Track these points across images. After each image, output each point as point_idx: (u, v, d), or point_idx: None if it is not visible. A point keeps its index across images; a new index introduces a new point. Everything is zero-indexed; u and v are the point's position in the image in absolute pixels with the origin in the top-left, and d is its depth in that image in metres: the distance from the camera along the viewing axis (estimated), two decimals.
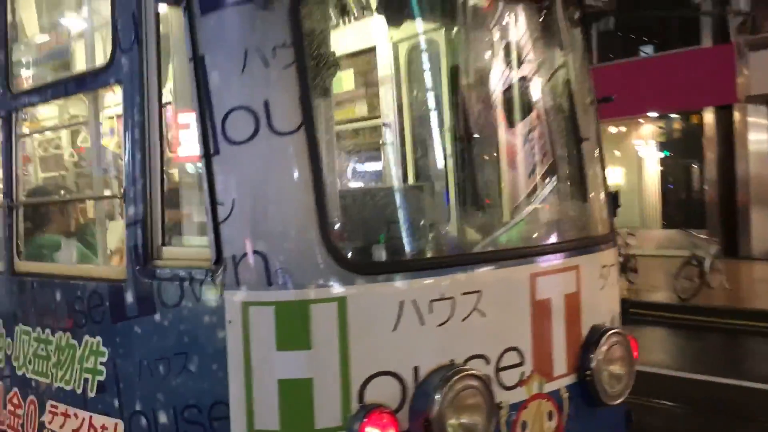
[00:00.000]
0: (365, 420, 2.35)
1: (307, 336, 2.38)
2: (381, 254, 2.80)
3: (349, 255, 2.61)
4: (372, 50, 3.27)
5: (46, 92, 3.30)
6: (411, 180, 3.37)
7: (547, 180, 3.52)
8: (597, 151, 3.47)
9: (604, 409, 3.11)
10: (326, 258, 2.41)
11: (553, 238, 3.39)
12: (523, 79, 3.50)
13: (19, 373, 3.33)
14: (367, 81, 3.12)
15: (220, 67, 2.45)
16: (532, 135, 3.61)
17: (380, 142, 3.22)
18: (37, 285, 3.29)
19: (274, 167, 2.45)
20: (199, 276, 2.51)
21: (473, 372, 2.56)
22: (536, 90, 3.51)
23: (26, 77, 3.46)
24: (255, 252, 2.40)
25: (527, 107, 3.59)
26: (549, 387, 2.90)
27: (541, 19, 3.07)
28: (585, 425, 3.02)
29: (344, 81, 3.21)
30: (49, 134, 3.60)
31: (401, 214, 3.07)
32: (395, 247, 2.87)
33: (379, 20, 3.14)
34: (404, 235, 2.98)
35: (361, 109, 3.32)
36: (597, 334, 3.02)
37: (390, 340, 2.47)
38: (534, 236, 3.43)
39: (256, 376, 2.39)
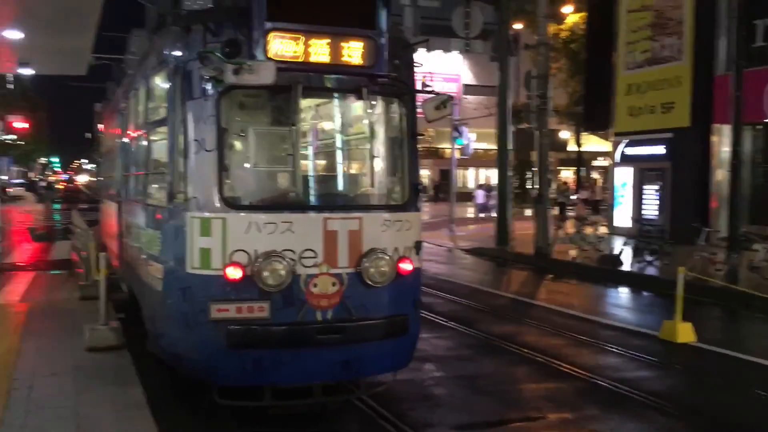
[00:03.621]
0: (228, 264, 5.38)
1: (210, 232, 5.45)
2: (241, 202, 5.80)
3: (229, 202, 5.54)
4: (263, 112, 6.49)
5: (156, 124, 6.66)
6: (262, 167, 6.35)
7: (343, 175, 6.82)
8: (401, 163, 6.24)
9: (385, 291, 5.77)
10: (220, 202, 5.50)
11: (342, 203, 6.49)
12: (343, 124, 6.81)
13: (146, 249, 6.63)
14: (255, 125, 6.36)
15: (191, 123, 5.60)
16: (341, 153, 6.83)
17: (280, 153, 6.28)
18: (149, 209, 6.69)
19: (204, 164, 5.56)
20: (182, 207, 5.63)
21: (280, 254, 5.42)
22: (351, 130, 6.77)
23: (150, 121, 7.03)
24: (194, 197, 5.56)
25: (338, 140, 6.83)
26: (334, 270, 5.61)
27: (361, 98, 5.96)
28: (363, 296, 5.70)
29: (248, 126, 6.27)
30: (156, 143, 6.81)
31: (255, 184, 6.24)
32: (251, 200, 5.94)
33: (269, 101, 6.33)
34: (255, 194, 6.06)
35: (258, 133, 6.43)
36: (370, 252, 5.68)
37: (244, 237, 5.44)
38: (331, 200, 6.49)
39: (193, 246, 5.50)
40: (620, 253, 15.70)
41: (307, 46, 5.54)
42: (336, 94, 6.34)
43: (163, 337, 5.98)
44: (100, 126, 13.81)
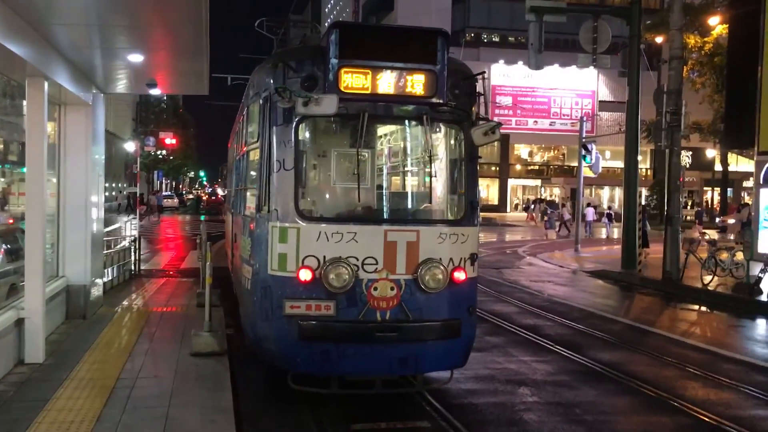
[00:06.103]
0: (301, 267, 6.22)
1: (287, 239, 6.31)
2: (313, 214, 6.58)
3: (302, 214, 6.37)
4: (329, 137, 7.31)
5: (252, 146, 7.37)
6: (332, 185, 7.22)
7: (404, 192, 7.86)
8: (460, 182, 6.92)
9: (440, 296, 6.44)
10: (295, 214, 6.34)
11: (402, 217, 7.24)
12: (408, 148, 7.58)
13: (243, 254, 7.55)
14: (329, 147, 7.24)
15: (275, 146, 6.43)
16: (403, 173, 7.82)
17: (349, 172, 6.99)
18: (246, 219, 7.46)
19: (284, 181, 6.40)
20: (266, 218, 6.45)
21: (345, 261, 6.21)
22: (413, 153, 7.49)
23: (249, 143, 7.73)
24: (275, 209, 6.38)
25: (401, 161, 7.73)
26: (393, 276, 6.35)
27: (420, 124, 6.75)
28: (419, 301, 6.40)
29: (322, 149, 7.23)
30: (252, 163, 7.51)
31: (326, 199, 7.16)
32: (322, 213, 6.78)
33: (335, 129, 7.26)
34: (325, 208, 6.97)
35: (334, 158, 7.23)
36: (427, 261, 6.40)
37: (314, 244, 6.28)
38: (392, 215, 7.17)
39: (273, 251, 6.37)
40: (758, 281, 14.51)
41: (374, 79, 6.40)
42: (399, 121, 7.04)
43: (251, 329, 6.82)
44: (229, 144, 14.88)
